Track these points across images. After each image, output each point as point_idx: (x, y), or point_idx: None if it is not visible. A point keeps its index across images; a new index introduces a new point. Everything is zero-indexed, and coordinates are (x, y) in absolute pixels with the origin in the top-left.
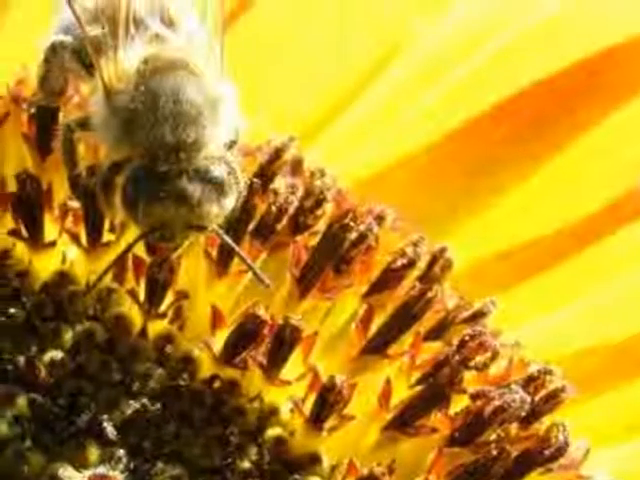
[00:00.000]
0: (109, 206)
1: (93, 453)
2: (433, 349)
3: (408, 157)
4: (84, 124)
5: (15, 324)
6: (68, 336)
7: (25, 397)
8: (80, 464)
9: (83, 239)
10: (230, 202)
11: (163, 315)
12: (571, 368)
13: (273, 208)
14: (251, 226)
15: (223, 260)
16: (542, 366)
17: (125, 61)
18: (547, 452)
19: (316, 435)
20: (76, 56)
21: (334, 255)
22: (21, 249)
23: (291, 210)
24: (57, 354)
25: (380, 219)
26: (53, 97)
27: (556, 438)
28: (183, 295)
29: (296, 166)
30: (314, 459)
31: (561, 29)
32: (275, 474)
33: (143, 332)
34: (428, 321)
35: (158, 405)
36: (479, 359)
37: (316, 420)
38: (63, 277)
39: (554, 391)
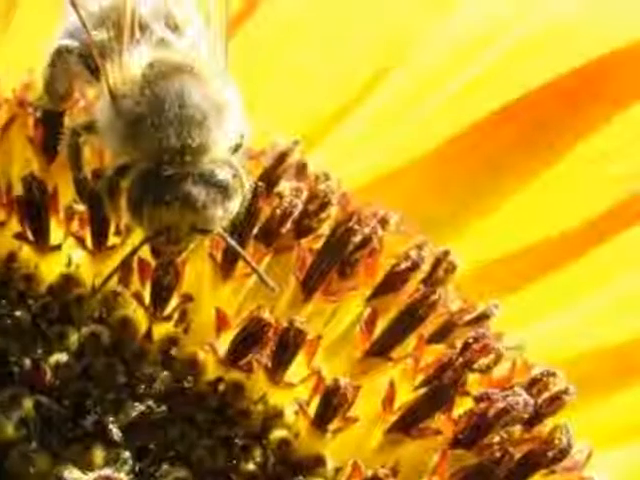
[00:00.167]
0: (114, 209)
1: (98, 455)
2: (437, 352)
3: (412, 160)
4: (90, 128)
5: (21, 327)
6: (74, 339)
7: (31, 399)
8: (86, 466)
9: (89, 242)
10: (235, 205)
11: (168, 318)
12: (573, 370)
13: (278, 211)
14: (256, 229)
15: (228, 263)
16: (545, 368)
17: (130, 65)
18: (550, 454)
19: (320, 437)
20: (82, 60)
21: (338, 258)
22: (27, 252)
23: (295, 213)
24: (63, 357)
25: (384, 222)
26: (59, 101)
27: (559, 440)
28: (188, 298)
29: (300, 170)
30: (318, 461)
31: (568, 32)
32: (280, 476)
33: (148, 335)
34: (432, 324)
35: (163, 407)
36: (483, 361)
37: (320, 422)
38: (69, 280)
39: (557, 393)
